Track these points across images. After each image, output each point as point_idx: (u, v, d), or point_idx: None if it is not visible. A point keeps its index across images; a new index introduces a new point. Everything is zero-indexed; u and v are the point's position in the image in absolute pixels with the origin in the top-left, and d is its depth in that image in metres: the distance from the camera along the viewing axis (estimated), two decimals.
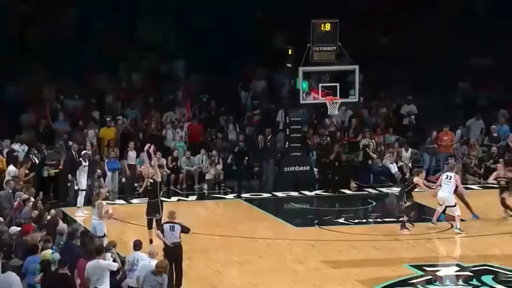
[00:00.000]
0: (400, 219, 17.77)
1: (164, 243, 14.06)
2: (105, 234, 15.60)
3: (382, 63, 26.66)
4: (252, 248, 17.03)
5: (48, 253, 12.93)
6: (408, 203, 17.42)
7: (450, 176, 17.81)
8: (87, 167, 19.73)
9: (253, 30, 27.35)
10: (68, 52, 25.91)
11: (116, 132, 23.02)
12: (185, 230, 14.28)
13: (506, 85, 26.46)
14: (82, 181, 19.59)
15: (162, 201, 17.13)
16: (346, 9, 26.32)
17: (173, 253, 13.83)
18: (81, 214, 19.09)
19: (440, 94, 25.96)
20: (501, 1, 27.21)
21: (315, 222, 19.11)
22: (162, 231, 14.06)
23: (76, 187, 19.72)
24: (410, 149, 23.52)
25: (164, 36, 26.61)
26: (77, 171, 19.61)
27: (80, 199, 19.34)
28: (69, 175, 20.46)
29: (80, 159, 19.76)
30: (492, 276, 15.09)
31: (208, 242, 17.57)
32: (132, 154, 22.00)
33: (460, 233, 17.46)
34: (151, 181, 17.08)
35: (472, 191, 21.98)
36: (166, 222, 14.32)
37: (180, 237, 14.09)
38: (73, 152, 21.04)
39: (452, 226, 18.11)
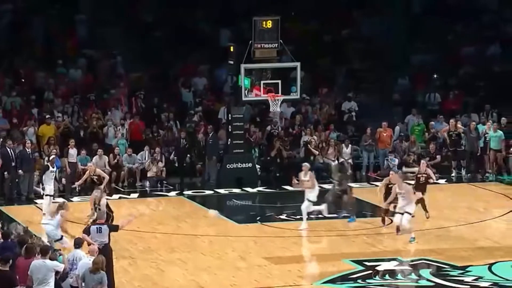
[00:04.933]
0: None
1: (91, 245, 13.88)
2: (62, 236, 15.21)
3: (323, 60, 26.88)
4: (194, 246, 17.01)
5: None
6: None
7: None
8: (54, 173, 19.24)
9: (195, 26, 27.32)
10: (4, 47, 25.49)
11: (55, 130, 22.74)
12: (113, 228, 14.07)
13: (442, 81, 27.02)
14: (48, 186, 18.88)
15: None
16: (288, 6, 26.51)
17: (101, 254, 13.54)
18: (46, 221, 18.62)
19: (380, 91, 26.32)
20: (440, 1, 27.77)
21: (257, 218, 19.19)
22: (89, 234, 13.82)
23: (42, 192, 19.10)
24: (350, 145, 23.78)
25: (105, 31, 26.33)
26: (44, 176, 18.98)
27: (45, 204, 18.65)
28: (19, 171, 20.34)
29: (48, 163, 19.28)
30: (430, 269, 15.39)
31: (150, 240, 17.49)
32: (72, 151, 21.76)
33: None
34: (97, 177, 17.82)
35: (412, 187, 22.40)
36: (93, 224, 14.15)
37: (109, 238, 13.86)
38: (8, 150, 20.73)
39: (391, 222, 18.40)
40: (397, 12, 27.53)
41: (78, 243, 13.19)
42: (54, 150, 21.37)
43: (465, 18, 27.86)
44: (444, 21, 27.52)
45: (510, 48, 27.06)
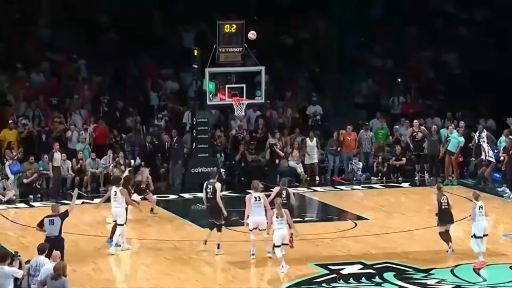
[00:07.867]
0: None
1: (45, 236, 14.23)
2: None
3: (286, 63, 26.92)
4: (158, 250, 16.92)
5: None
6: None
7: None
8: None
9: (155, 29, 27.19)
10: None
11: (17, 134, 22.48)
12: (64, 216, 14.41)
13: (406, 85, 27.25)
14: None
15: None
16: (251, 9, 26.55)
17: (53, 245, 13.69)
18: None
19: (343, 94, 26.43)
20: (396, 5, 28.01)
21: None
22: (42, 226, 14.21)
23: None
24: (315, 138, 23.54)
25: (65, 35, 26.09)
26: None
27: None
28: None
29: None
30: (394, 273, 15.49)
31: None
32: (57, 155, 21.59)
33: None
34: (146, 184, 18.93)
35: (376, 190, 22.57)
36: (46, 217, 14.29)
37: (61, 230, 14.21)
38: None
39: (356, 225, 18.50)
40: (356, 16, 27.69)
41: (41, 249, 13.10)
42: (18, 155, 21.17)
43: (421, 21, 28.12)
44: (401, 25, 27.77)
45: (466, 52, 27.35)
